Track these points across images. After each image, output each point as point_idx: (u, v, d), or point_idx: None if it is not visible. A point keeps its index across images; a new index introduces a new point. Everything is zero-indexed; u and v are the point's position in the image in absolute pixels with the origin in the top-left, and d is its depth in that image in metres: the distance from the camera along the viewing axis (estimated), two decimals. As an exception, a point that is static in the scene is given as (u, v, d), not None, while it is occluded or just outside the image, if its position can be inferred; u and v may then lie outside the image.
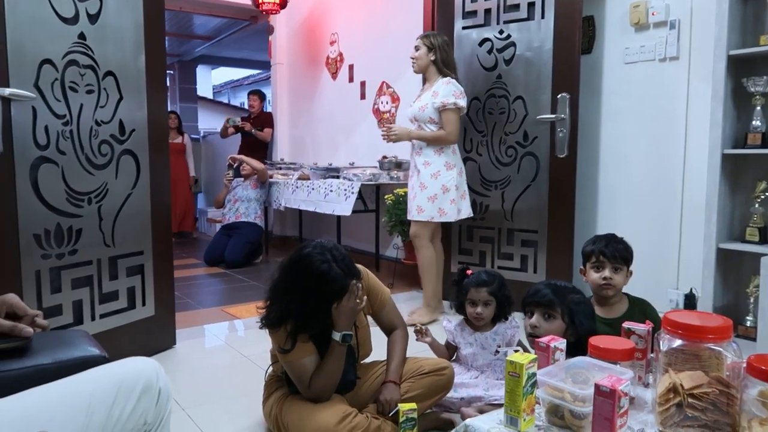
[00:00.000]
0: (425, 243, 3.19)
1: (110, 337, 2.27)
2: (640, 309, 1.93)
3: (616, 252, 1.91)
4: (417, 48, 3.16)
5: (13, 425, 0.91)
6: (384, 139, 3.25)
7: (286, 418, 1.69)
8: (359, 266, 1.78)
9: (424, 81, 3.27)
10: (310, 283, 1.61)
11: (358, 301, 1.67)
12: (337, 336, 1.67)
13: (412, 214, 3.19)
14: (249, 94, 5.92)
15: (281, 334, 1.67)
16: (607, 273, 1.91)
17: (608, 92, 3.23)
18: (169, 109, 3.61)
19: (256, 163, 5.19)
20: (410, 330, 2.02)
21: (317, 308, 1.64)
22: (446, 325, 2.17)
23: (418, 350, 2.27)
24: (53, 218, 2.12)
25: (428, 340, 2.12)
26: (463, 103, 3.10)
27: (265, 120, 5.82)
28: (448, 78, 3.12)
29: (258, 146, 5.70)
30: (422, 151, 3.16)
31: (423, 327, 2.11)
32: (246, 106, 6.72)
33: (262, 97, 5.90)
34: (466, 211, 3.23)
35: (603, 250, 1.92)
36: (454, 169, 3.14)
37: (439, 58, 3.13)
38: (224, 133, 5.93)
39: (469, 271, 2.14)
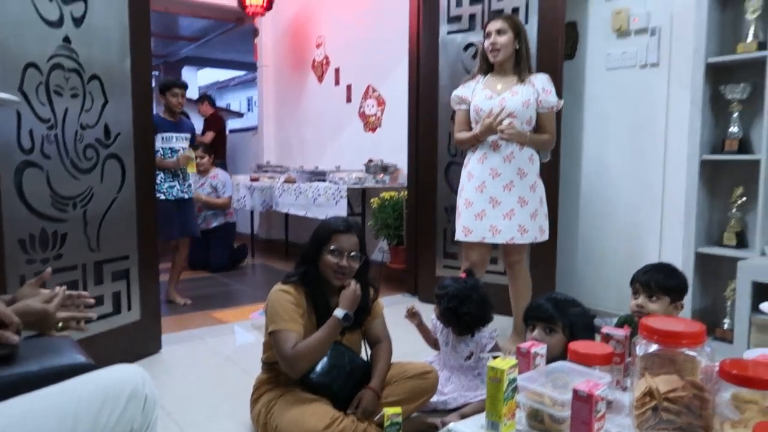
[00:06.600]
0: (526, 266, 2.75)
1: (96, 343, 2.26)
2: None
3: (651, 280, 1.85)
4: (500, 32, 2.52)
5: (0, 433, 0.92)
6: (497, 132, 2.49)
7: (275, 422, 1.71)
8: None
9: (483, 73, 2.64)
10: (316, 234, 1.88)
11: (353, 288, 1.80)
12: (339, 313, 1.76)
13: (512, 236, 2.54)
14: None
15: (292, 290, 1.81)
16: (640, 301, 1.85)
17: (590, 98, 3.27)
18: (155, 109, 3.48)
19: (216, 201, 5.01)
20: (401, 311, 2.18)
21: (314, 252, 1.84)
22: (433, 320, 2.23)
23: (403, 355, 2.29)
24: (38, 223, 2.12)
25: (416, 321, 2.20)
26: None
27: (210, 122, 5.96)
28: (545, 74, 2.64)
29: (215, 146, 5.70)
30: (514, 157, 2.54)
31: (414, 309, 2.19)
32: (230, 108, 6.76)
33: (201, 99, 6.15)
34: None
35: (640, 278, 1.88)
36: (541, 179, 2.64)
37: (524, 47, 2.58)
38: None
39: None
